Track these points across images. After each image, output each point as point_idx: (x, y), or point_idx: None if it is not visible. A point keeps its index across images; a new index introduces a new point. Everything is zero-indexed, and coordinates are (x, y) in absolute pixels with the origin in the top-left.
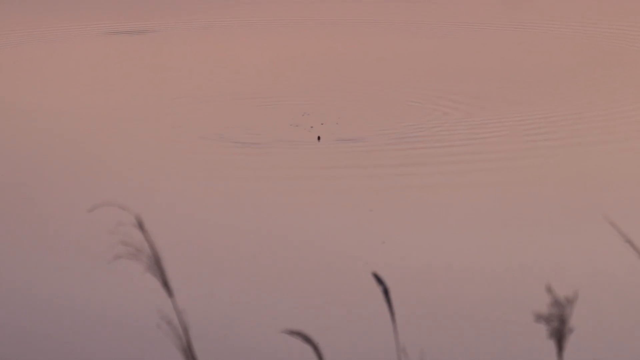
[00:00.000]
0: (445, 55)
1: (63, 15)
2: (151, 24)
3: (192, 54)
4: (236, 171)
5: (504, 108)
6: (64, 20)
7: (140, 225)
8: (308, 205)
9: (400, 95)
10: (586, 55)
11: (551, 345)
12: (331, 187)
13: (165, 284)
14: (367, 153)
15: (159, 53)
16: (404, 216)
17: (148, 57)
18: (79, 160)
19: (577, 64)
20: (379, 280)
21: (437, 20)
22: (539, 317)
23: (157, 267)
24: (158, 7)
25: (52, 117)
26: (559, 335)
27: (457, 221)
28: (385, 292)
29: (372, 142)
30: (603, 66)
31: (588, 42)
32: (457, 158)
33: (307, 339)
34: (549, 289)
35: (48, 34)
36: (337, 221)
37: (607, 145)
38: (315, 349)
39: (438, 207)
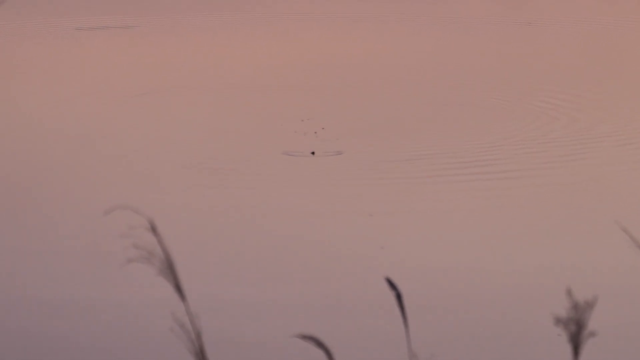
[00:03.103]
0: (456, 54)
1: (33, 11)
2: (136, 19)
3: (186, 51)
4: (244, 175)
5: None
6: (34, 16)
7: (153, 229)
8: (317, 210)
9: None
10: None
11: (567, 350)
12: (333, 193)
13: (178, 288)
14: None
15: (148, 49)
16: (412, 220)
17: (139, 54)
18: (89, 162)
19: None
20: (392, 285)
21: (438, 16)
22: (558, 321)
23: (170, 271)
24: (144, 2)
25: (59, 117)
26: (577, 340)
27: (470, 225)
28: (398, 297)
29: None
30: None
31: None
32: (466, 163)
33: (320, 344)
34: (569, 293)
35: (19, 30)
36: (343, 225)
37: (622, 149)
38: (328, 353)
39: (450, 210)
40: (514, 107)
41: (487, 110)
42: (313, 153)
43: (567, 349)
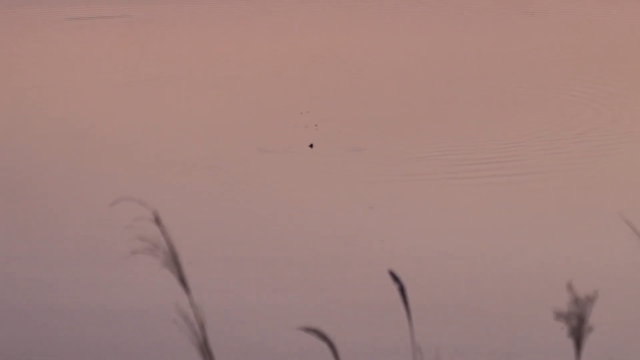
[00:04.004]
0: (472, 46)
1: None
2: (133, 8)
3: (184, 44)
4: (248, 168)
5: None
6: (22, 6)
7: (157, 221)
8: (318, 202)
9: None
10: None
11: (569, 343)
12: (335, 184)
13: (182, 280)
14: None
15: (146, 40)
16: (412, 213)
17: (137, 45)
18: (94, 155)
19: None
20: (395, 278)
21: (441, 7)
22: (559, 315)
23: (174, 262)
24: None
25: (59, 110)
26: (578, 334)
27: (472, 219)
28: (402, 290)
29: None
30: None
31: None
32: (471, 158)
33: (323, 336)
34: (570, 287)
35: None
36: (343, 218)
37: (628, 144)
38: (331, 346)
39: (453, 205)
40: (526, 102)
41: (494, 107)
42: (311, 146)
43: (569, 342)
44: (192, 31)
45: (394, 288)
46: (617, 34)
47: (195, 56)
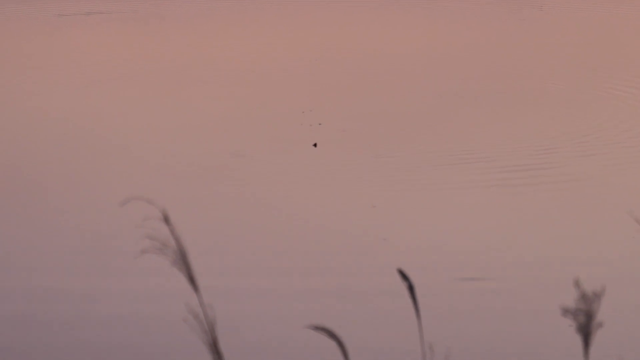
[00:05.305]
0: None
1: None
2: (131, 5)
3: (188, 42)
4: (250, 167)
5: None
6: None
7: (167, 220)
8: (321, 201)
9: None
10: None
11: (578, 340)
12: (335, 183)
13: (191, 279)
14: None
15: (147, 38)
16: (416, 212)
17: (138, 43)
18: (104, 154)
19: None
20: (404, 276)
21: (447, 3)
22: (566, 312)
23: (183, 261)
24: None
25: (67, 110)
26: (586, 331)
27: (478, 217)
28: (411, 288)
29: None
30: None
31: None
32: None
33: (332, 335)
34: (577, 283)
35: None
36: (346, 216)
37: (634, 141)
38: (340, 344)
39: (458, 202)
40: (531, 101)
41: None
42: (315, 145)
43: (578, 339)
44: (195, 31)
45: (402, 286)
46: (629, 31)
47: (198, 55)
